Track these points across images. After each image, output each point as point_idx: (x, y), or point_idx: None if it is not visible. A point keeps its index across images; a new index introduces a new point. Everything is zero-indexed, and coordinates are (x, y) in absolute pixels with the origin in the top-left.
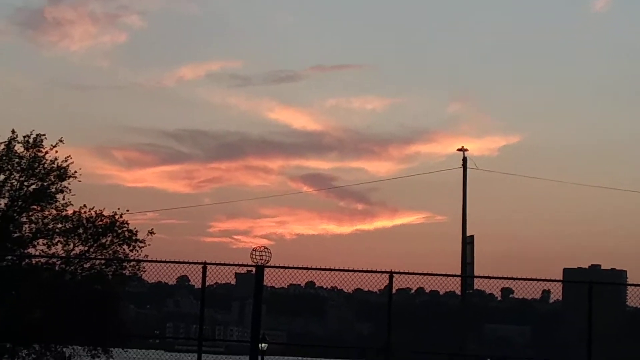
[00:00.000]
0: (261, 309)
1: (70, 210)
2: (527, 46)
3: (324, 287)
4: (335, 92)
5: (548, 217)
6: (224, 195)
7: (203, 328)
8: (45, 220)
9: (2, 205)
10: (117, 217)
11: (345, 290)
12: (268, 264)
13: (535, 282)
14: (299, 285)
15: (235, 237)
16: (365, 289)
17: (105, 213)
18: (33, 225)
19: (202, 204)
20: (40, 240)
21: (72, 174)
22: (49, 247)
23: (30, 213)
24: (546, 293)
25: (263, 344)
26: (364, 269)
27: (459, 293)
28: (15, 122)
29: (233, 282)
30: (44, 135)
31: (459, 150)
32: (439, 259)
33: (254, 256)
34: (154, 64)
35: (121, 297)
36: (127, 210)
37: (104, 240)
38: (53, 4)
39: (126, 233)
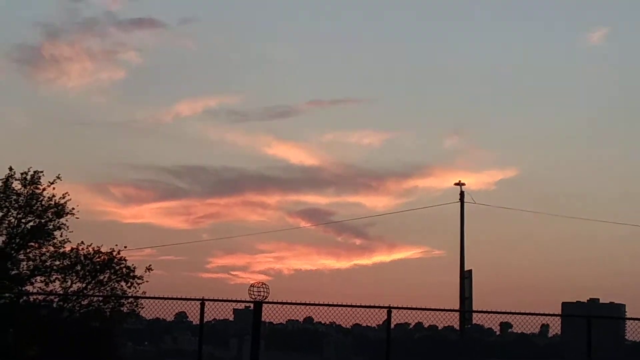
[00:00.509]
0: (259, 344)
1: (68, 247)
2: (523, 79)
3: (323, 322)
4: (332, 126)
5: (546, 250)
6: (222, 231)
7: None
8: (43, 258)
9: (0, 243)
10: (114, 253)
11: (343, 325)
12: (266, 300)
13: (534, 316)
14: (297, 320)
15: (233, 272)
16: (364, 324)
17: (102, 250)
18: (31, 262)
19: (200, 239)
20: (38, 278)
21: (70, 210)
22: (46, 284)
23: (28, 250)
24: (545, 327)
25: None
26: (362, 304)
27: (458, 328)
28: (12, 159)
29: (231, 318)
30: (41, 172)
31: (456, 184)
32: (437, 293)
33: (252, 292)
34: (152, 100)
35: (119, 334)
36: (125, 247)
37: (101, 277)
38: (50, 40)
39: (124, 270)
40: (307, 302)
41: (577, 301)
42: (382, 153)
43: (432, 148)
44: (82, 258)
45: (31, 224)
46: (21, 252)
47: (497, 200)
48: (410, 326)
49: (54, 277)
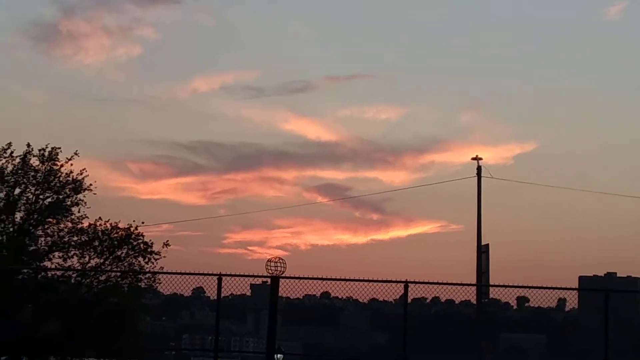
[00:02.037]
0: (276, 319)
1: (85, 223)
2: (541, 53)
3: (339, 297)
4: (349, 102)
5: (563, 224)
6: (239, 207)
7: (219, 339)
8: (61, 233)
9: (18, 219)
10: (132, 229)
11: (360, 300)
12: (283, 275)
13: (551, 290)
14: (314, 295)
15: (250, 248)
16: (381, 299)
17: (120, 225)
18: (49, 238)
19: (217, 215)
20: (56, 253)
21: (88, 186)
22: (64, 260)
23: (46, 226)
24: (562, 301)
25: (279, 355)
26: (379, 279)
27: (475, 302)
28: (30, 135)
29: (248, 293)
30: (59, 148)
31: (473, 159)
32: (454, 268)
33: (269, 267)
34: (168, 76)
35: (137, 309)
36: (142, 223)
37: (119, 253)
38: (67, 17)
39: (141, 245)
40: (324, 277)
41: (594, 275)
42: (398, 128)
43: (449, 123)
44: (99, 234)
45: (49, 200)
46: (39, 228)
47: (515, 174)
48: (427, 301)
49: (72, 253)
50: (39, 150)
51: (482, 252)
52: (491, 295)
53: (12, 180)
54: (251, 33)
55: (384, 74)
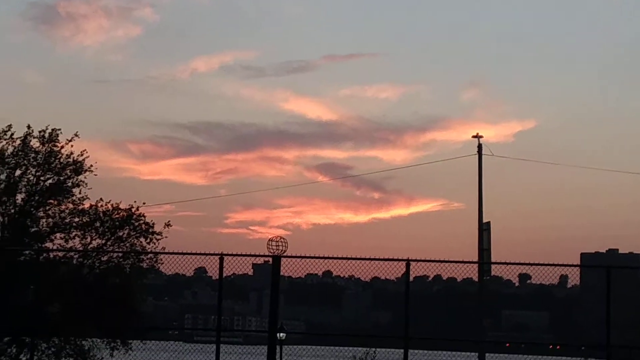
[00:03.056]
0: (279, 299)
1: (87, 204)
2: (541, 31)
3: (341, 276)
4: (349, 81)
5: (564, 202)
6: (240, 187)
7: (221, 319)
8: (62, 215)
9: (20, 200)
10: (133, 210)
11: (362, 278)
12: (285, 254)
13: (553, 267)
14: (316, 274)
15: (252, 227)
16: (383, 278)
17: (121, 206)
18: (50, 219)
19: (218, 195)
20: (58, 235)
21: (88, 167)
22: (66, 241)
23: (47, 207)
24: (564, 278)
25: (281, 334)
26: (381, 257)
27: (476, 280)
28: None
29: (250, 273)
30: (59, 129)
31: (474, 137)
32: (456, 246)
33: (270, 246)
34: (168, 57)
35: (139, 290)
36: (144, 203)
37: (121, 234)
38: None
39: (143, 226)
40: (326, 255)
41: (596, 252)
42: (399, 107)
43: (449, 101)
44: (101, 215)
45: (50, 181)
46: (40, 209)
47: (516, 152)
48: (429, 279)
49: (74, 234)
50: (39, 131)
51: (484, 229)
52: (493, 273)
53: (13, 162)
54: (250, 13)
55: (384, 53)
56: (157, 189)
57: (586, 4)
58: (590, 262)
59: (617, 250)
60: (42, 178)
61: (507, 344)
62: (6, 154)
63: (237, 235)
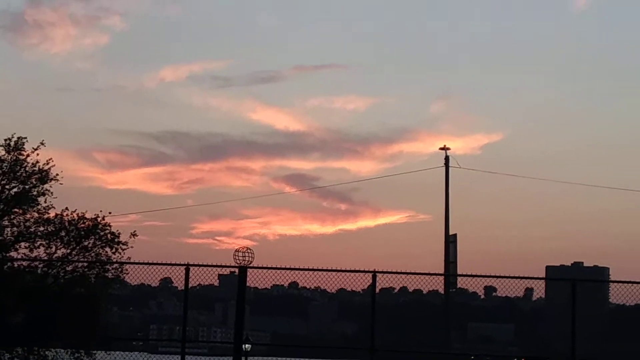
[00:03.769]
0: (244, 309)
1: (52, 213)
2: (509, 45)
3: (307, 287)
4: (317, 92)
5: (530, 215)
6: (207, 197)
7: (186, 329)
8: (27, 224)
9: None
10: (99, 219)
11: (328, 290)
12: (251, 265)
13: (518, 280)
14: (282, 285)
15: (218, 238)
16: (349, 289)
17: (87, 215)
18: (15, 228)
19: (184, 205)
20: (22, 244)
21: (54, 176)
22: (31, 250)
23: (12, 216)
24: (529, 291)
25: (246, 345)
26: (347, 268)
27: (443, 292)
28: None
29: (216, 284)
30: (25, 138)
31: (441, 149)
32: (423, 258)
33: (237, 257)
34: (136, 66)
35: (104, 300)
36: (110, 213)
37: (86, 243)
38: (33, 6)
39: (108, 235)
40: (292, 267)
41: (561, 265)
42: (367, 118)
43: (417, 113)
44: (66, 224)
45: (15, 190)
46: (5, 218)
47: (483, 164)
48: (395, 290)
49: (38, 243)
50: (5, 140)
51: (450, 242)
52: (459, 285)
53: None
54: (219, 23)
55: (352, 64)
56: (123, 199)
57: (552, 16)
58: (555, 275)
59: (582, 263)
60: (7, 187)
61: (472, 357)
62: None
63: (203, 245)
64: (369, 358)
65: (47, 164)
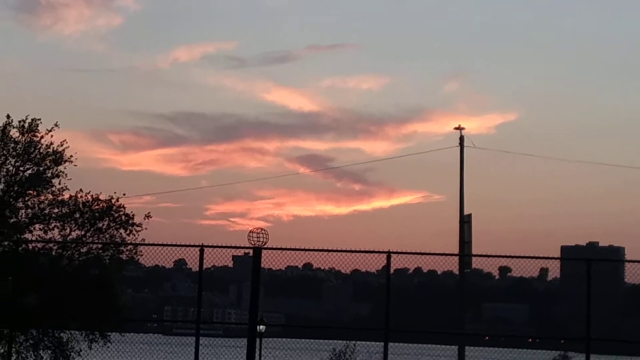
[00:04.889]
0: (259, 291)
1: (66, 195)
2: (523, 22)
3: (322, 268)
4: (331, 72)
5: (545, 194)
6: (221, 178)
7: (201, 311)
8: (42, 206)
9: None
10: (113, 201)
11: (343, 271)
12: (265, 246)
13: (533, 260)
14: (297, 267)
15: (232, 219)
16: (363, 270)
17: (101, 197)
18: (29, 210)
19: (198, 186)
20: (37, 226)
21: (68, 158)
22: (45, 232)
23: (27, 198)
24: (544, 271)
25: (261, 326)
26: (362, 249)
27: (457, 272)
28: (10, 106)
29: (230, 265)
30: (39, 119)
31: (455, 129)
32: (437, 239)
33: (251, 238)
34: (149, 47)
35: (118, 282)
36: (124, 194)
37: (100, 225)
38: None
39: (123, 217)
40: (306, 247)
41: (576, 244)
42: (381, 98)
43: (431, 92)
44: (80, 206)
45: (29, 171)
46: (20, 200)
47: (498, 144)
48: (410, 271)
49: (53, 225)
50: (19, 121)
51: (465, 222)
52: (474, 266)
53: None
54: (232, 2)
55: (366, 44)
56: (138, 180)
57: None
58: (570, 255)
59: (597, 243)
60: (21, 168)
61: (487, 337)
62: None
63: (218, 226)
64: (383, 339)
65: (61, 145)
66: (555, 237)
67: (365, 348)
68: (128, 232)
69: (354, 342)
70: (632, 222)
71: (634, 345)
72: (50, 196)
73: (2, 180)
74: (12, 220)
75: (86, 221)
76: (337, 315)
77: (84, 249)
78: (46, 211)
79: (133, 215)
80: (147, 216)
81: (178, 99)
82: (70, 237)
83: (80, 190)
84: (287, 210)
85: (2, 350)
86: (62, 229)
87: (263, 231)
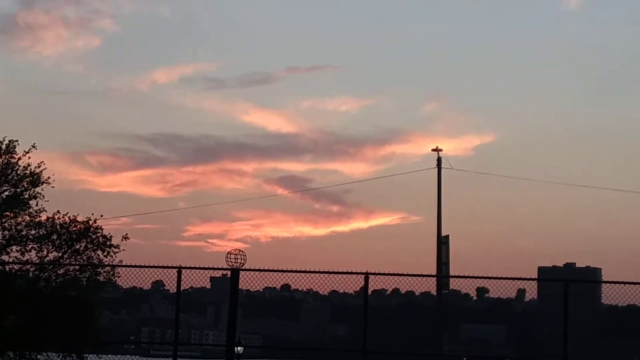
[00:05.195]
0: (237, 312)
1: (43, 217)
2: (501, 44)
3: (300, 289)
4: (310, 93)
5: (522, 215)
6: (199, 199)
7: (178, 332)
8: (19, 227)
9: None
10: (91, 222)
11: (321, 292)
12: (243, 267)
13: (511, 281)
14: (275, 288)
15: (210, 240)
16: (341, 291)
17: (79, 219)
18: (6, 232)
19: (176, 208)
20: (14, 247)
21: (46, 179)
22: (22, 253)
23: (3, 220)
24: (521, 292)
25: (239, 348)
26: (340, 270)
27: (435, 293)
28: None
29: (208, 286)
30: (16, 141)
31: (433, 150)
32: (415, 260)
33: (229, 259)
34: (128, 68)
35: (96, 303)
36: (101, 216)
37: (78, 246)
38: (25, 8)
39: (100, 238)
40: (285, 269)
41: (553, 266)
42: (359, 119)
43: (409, 114)
44: (58, 227)
45: (6, 193)
46: None
47: (475, 166)
48: (388, 292)
49: (30, 246)
50: None
51: (443, 243)
52: (451, 287)
53: None
54: (211, 24)
55: (345, 66)
56: (115, 201)
57: (546, 18)
58: (547, 276)
59: (575, 264)
60: None
61: (465, 358)
62: None
63: (195, 248)
64: None
65: (39, 167)
66: (532, 258)
67: None
68: (105, 253)
69: None
70: (609, 244)
71: None
72: (28, 218)
73: None
74: None
75: (63, 243)
76: (315, 336)
77: (62, 271)
78: (23, 233)
79: (111, 236)
80: (125, 237)
81: (156, 120)
82: (48, 258)
83: (58, 211)
84: (265, 231)
85: None
86: (39, 251)
87: (241, 252)
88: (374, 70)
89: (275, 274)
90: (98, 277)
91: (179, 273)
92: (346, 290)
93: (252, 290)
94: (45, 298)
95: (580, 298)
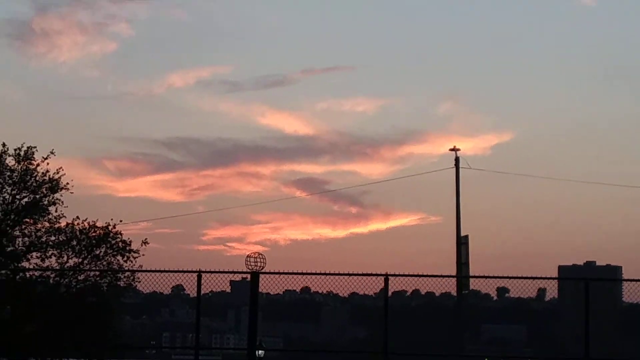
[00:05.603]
0: (257, 315)
1: (63, 223)
2: (518, 43)
3: (320, 292)
4: (326, 94)
5: (542, 214)
6: (217, 203)
7: (199, 337)
8: (39, 234)
9: None
10: (110, 227)
11: (340, 294)
12: (263, 271)
13: (531, 280)
14: (295, 290)
15: (229, 244)
16: (361, 293)
17: (98, 224)
18: (26, 238)
19: (195, 212)
20: (34, 254)
21: (64, 185)
22: (42, 260)
23: (23, 226)
24: (542, 291)
25: (260, 351)
26: (359, 272)
27: (455, 294)
28: (5, 134)
29: (228, 290)
30: (34, 147)
31: (451, 150)
32: (434, 260)
33: (248, 263)
34: (144, 72)
35: (116, 308)
36: (120, 221)
37: (97, 252)
38: (40, 14)
39: (120, 244)
40: (304, 271)
41: (573, 264)
42: (376, 120)
43: (426, 114)
44: (77, 233)
45: (26, 200)
46: (16, 228)
47: (493, 164)
48: (408, 293)
49: (50, 252)
50: (15, 149)
51: (462, 243)
52: (471, 287)
53: None
54: (226, 27)
55: (360, 66)
56: (134, 206)
57: (563, 16)
58: (568, 275)
59: (595, 262)
60: (17, 197)
61: (486, 358)
62: None
63: (215, 252)
64: None
65: (57, 173)
66: (552, 257)
67: None
68: (125, 258)
69: None
70: (629, 241)
71: None
72: (47, 224)
73: None
74: (9, 248)
75: (83, 248)
76: (335, 338)
77: (82, 277)
78: (43, 239)
79: (130, 241)
80: (144, 242)
81: (173, 124)
82: (68, 264)
83: (77, 217)
84: (284, 234)
85: None
86: (59, 257)
87: (260, 256)
88: (389, 71)
89: (295, 276)
90: (118, 283)
91: (199, 277)
92: (366, 292)
93: (272, 293)
94: (65, 304)
95: (600, 296)
